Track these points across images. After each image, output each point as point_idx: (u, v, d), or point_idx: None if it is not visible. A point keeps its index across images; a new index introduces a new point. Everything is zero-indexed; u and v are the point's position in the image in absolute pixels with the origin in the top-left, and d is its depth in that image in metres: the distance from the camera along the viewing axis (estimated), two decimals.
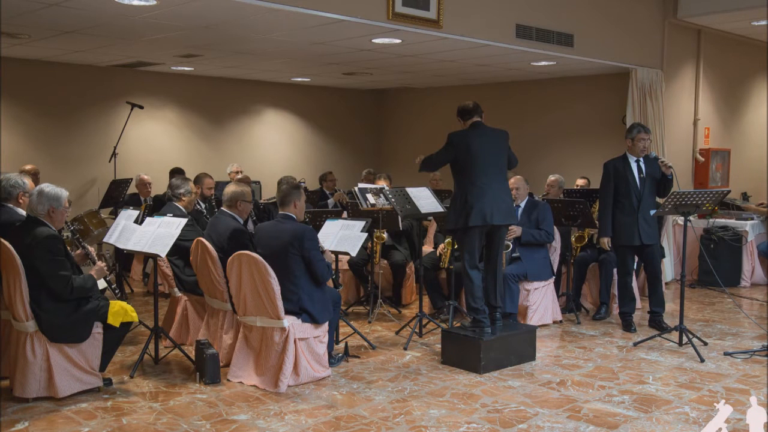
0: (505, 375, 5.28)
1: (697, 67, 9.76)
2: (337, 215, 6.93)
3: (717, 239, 8.85)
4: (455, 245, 6.58)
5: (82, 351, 4.68)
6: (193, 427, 4.23)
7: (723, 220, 9.07)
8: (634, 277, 6.93)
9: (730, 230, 8.88)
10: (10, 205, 5.15)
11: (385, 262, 7.52)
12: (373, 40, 7.48)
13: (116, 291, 5.27)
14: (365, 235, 5.82)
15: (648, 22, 9.01)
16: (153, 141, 10.64)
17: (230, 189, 5.81)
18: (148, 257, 6.71)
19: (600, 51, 8.52)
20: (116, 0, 5.83)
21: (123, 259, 8.16)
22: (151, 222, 5.28)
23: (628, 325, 6.61)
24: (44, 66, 9.48)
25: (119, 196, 8.58)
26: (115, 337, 4.88)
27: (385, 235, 7.31)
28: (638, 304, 7.24)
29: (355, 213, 7.43)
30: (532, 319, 6.63)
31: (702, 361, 5.58)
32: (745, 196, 10.28)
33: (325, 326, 5.16)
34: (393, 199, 6.03)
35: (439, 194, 7.04)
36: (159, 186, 9.34)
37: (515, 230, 6.55)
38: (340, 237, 5.86)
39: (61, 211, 4.75)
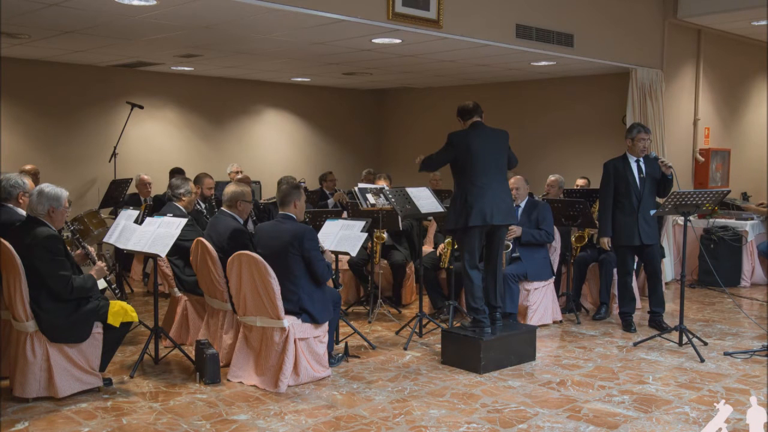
0: (505, 375, 5.28)
1: (697, 67, 9.76)
2: (337, 215, 6.93)
3: (717, 239, 8.85)
4: (455, 245, 6.58)
5: (82, 351, 4.68)
6: (193, 427, 4.23)
7: (723, 220, 9.07)
8: (634, 277, 6.93)
9: (730, 230, 8.88)
10: (10, 205, 5.15)
11: (385, 262, 7.52)
12: (373, 40, 7.48)
13: (116, 291, 5.28)
14: (365, 235, 5.82)
15: (648, 22, 9.01)
16: (153, 141, 10.64)
17: (230, 189, 5.81)
18: (148, 257, 6.71)
19: (600, 51, 8.52)
20: (116, 0, 5.83)
21: (123, 259, 8.16)
22: (151, 222, 5.29)
23: (628, 325, 6.61)
24: (44, 66, 9.48)
25: (119, 196, 8.58)
26: (115, 337, 4.88)
27: (385, 235, 7.31)
28: (638, 304, 7.24)
29: (355, 213, 7.43)
30: (532, 319, 6.63)
31: (702, 361, 5.58)
32: (745, 196, 10.28)
33: (325, 326, 5.16)
34: (393, 199, 6.04)
35: (439, 194, 7.04)
36: (159, 186, 9.34)
37: (515, 230, 6.55)
38: (340, 237, 5.86)
39: (61, 211, 4.75)
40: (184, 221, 5.17)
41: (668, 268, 9.02)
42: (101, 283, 4.88)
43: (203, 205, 7.33)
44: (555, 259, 7.02)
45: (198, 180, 7.45)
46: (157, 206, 7.34)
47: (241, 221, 5.75)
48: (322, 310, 5.08)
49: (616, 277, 6.98)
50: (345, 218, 6.47)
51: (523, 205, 6.82)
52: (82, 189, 9.91)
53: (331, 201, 9.49)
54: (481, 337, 5.33)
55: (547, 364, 5.58)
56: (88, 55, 8.82)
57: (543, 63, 8.99)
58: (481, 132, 5.55)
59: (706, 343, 6.09)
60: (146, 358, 5.42)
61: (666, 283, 8.55)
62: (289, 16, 6.28)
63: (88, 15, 6.40)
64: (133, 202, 8.62)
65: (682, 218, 5.93)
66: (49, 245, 4.54)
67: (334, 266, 5.77)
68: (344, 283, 7.65)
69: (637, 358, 5.71)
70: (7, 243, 4.55)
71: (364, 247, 6.36)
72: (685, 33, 9.51)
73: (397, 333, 6.46)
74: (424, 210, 6.06)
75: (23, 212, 5.02)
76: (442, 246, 7.01)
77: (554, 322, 6.87)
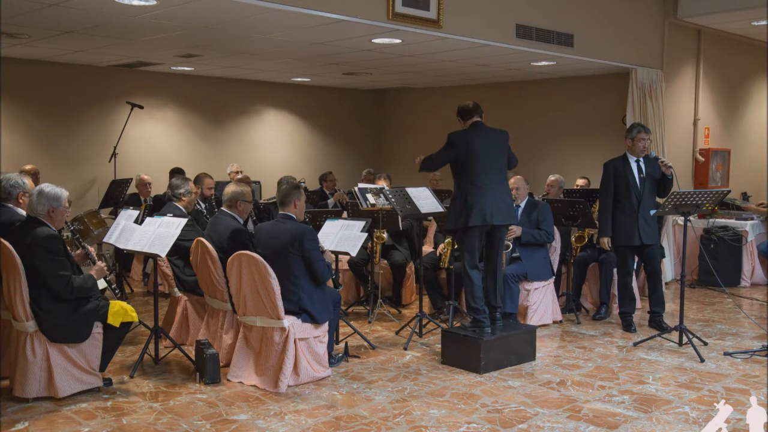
0: (505, 375, 5.28)
1: (697, 67, 9.76)
2: (337, 215, 6.93)
3: (717, 239, 8.85)
4: (455, 245, 6.58)
5: (82, 351, 4.68)
6: (193, 427, 4.23)
7: (723, 220, 9.07)
8: (634, 277, 6.93)
9: (730, 230, 8.88)
10: (10, 205, 5.15)
11: (385, 262, 7.52)
12: (373, 40, 7.48)
13: (116, 291, 5.28)
14: (365, 235, 5.82)
15: (648, 22, 9.01)
16: (153, 141, 10.64)
17: (230, 189, 5.81)
18: (148, 257, 6.71)
19: (600, 51, 8.52)
20: (116, 0, 5.83)
21: (123, 259, 8.16)
22: (151, 222, 5.29)
23: (628, 325, 6.61)
24: (44, 66, 9.48)
25: (119, 196, 8.58)
26: (115, 337, 4.88)
27: (385, 235, 7.31)
28: (638, 304, 7.24)
29: (355, 213, 7.43)
30: (532, 319, 6.63)
31: (702, 361, 5.58)
32: (745, 196, 10.28)
33: (325, 326, 5.16)
34: (393, 199, 6.04)
35: (439, 194, 7.04)
36: (159, 186, 9.34)
37: (515, 230, 6.55)
38: (340, 237, 5.86)
39: (61, 211, 4.75)
40: (184, 221, 5.17)
41: (668, 268, 9.02)
42: (101, 283, 4.88)
43: (203, 205, 7.33)
44: (555, 259, 7.02)
45: (198, 180, 7.46)
46: (157, 206, 7.34)
47: (241, 221, 5.75)
48: (322, 310, 5.08)
49: (616, 277, 6.98)
50: (345, 218, 6.48)
51: (523, 205, 6.82)
52: (82, 189, 9.91)
53: (331, 201, 9.49)
54: (481, 337, 5.33)
55: (547, 364, 5.58)
56: (88, 55, 8.82)
57: (543, 63, 8.99)
58: (481, 132, 5.55)
59: (706, 343, 6.09)
60: (146, 358, 5.42)
61: (666, 283, 8.55)
62: (289, 16, 6.28)
63: (88, 15, 6.40)
64: (133, 202, 8.62)
65: (682, 218, 5.93)
66: (49, 245, 4.54)
67: (334, 266, 5.77)
68: (344, 283, 7.65)
69: (637, 358, 5.71)
70: (7, 243, 4.55)
71: (364, 247, 6.37)
72: (685, 33, 9.51)
73: (397, 333, 6.46)
74: (424, 210, 6.06)
75: (23, 212, 5.02)
76: (442, 246, 7.01)
77: (554, 322, 6.87)
